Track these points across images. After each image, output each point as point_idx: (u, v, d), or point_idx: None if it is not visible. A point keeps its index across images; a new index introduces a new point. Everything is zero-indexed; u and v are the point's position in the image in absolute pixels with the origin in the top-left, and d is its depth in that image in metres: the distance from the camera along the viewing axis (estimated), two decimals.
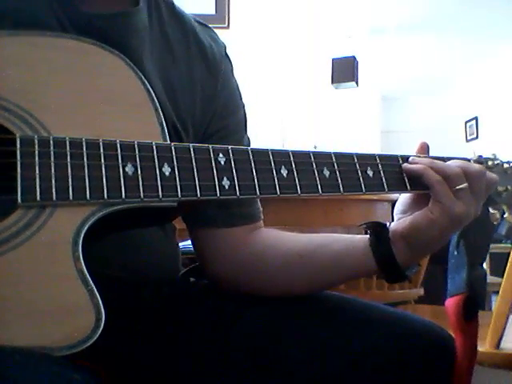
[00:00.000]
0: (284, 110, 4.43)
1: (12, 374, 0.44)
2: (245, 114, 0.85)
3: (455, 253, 0.80)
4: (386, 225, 0.74)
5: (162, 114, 0.63)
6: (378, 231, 0.73)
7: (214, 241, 0.80)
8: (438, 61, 6.14)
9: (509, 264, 1.28)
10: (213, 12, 3.80)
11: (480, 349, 1.29)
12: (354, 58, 4.47)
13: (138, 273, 0.76)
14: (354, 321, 0.74)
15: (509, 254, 1.28)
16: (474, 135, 6.82)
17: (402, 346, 0.71)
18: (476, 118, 6.79)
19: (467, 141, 6.86)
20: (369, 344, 0.71)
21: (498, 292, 1.33)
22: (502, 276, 1.31)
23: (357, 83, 4.52)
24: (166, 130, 0.63)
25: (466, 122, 6.98)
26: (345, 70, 4.44)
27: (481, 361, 1.31)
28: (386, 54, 5.64)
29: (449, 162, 0.72)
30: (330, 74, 4.50)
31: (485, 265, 3.21)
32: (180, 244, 0.89)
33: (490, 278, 3.05)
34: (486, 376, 1.46)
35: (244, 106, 0.86)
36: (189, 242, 0.87)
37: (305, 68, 4.60)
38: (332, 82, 4.51)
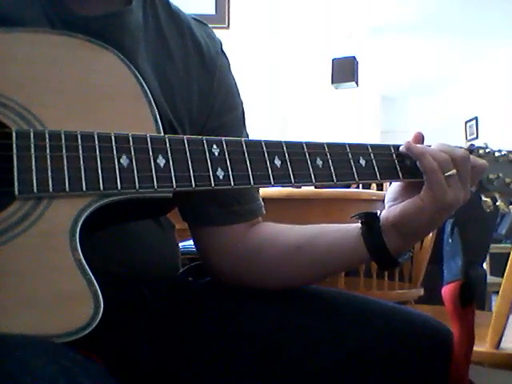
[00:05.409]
0: (284, 110, 4.43)
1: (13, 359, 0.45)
2: (243, 111, 0.86)
3: (449, 240, 0.81)
4: (377, 214, 0.74)
5: (155, 107, 0.64)
6: (369, 221, 0.74)
7: (216, 237, 0.81)
8: (438, 61, 6.14)
9: (509, 264, 1.28)
10: (213, 12, 3.80)
11: (480, 349, 1.29)
12: (353, 58, 4.48)
13: (137, 269, 0.76)
14: (352, 315, 0.75)
15: (509, 254, 1.28)
16: (474, 135, 6.82)
17: (399, 339, 0.72)
18: (476, 118, 6.79)
19: (467, 141, 6.85)
20: (367, 338, 0.72)
21: (498, 292, 1.34)
22: (502, 276, 1.31)
23: (357, 83, 4.53)
24: (160, 123, 0.64)
25: (466, 122, 6.99)
26: (345, 70, 4.45)
27: (481, 361, 1.31)
28: (385, 54, 5.64)
29: (434, 148, 0.72)
30: (330, 74, 4.51)
31: (485, 265, 3.21)
32: (180, 244, 0.90)
33: (490, 278, 3.05)
34: (486, 376, 1.46)
35: (242, 103, 0.86)
36: (189, 242, 0.87)
37: (305, 68, 4.60)
38: (332, 82, 4.52)
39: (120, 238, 0.72)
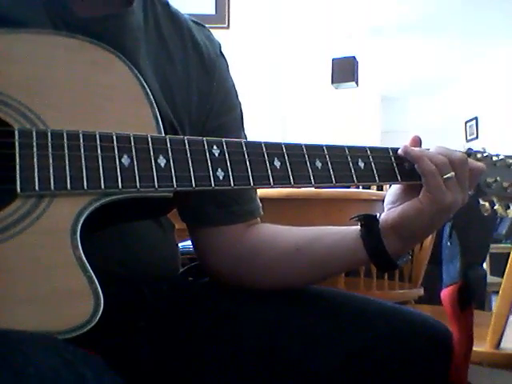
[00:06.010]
0: (284, 110, 4.44)
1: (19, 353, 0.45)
2: (241, 113, 0.86)
3: (448, 243, 0.81)
4: (376, 216, 0.75)
5: (156, 107, 0.65)
6: (368, 223, 0.74)
7: (214, 238, 0.81)
8: (438, 61, 6.14)
9: (509, 264, 1.28)
10: (213, 12, 3.80)
11: (480, 349, 1.29)
12: (353, 58, 4.48)
13: (137, 269, 0.76)
14: (352, 315, 0.75)
15: (509, 254, 1.28)
16: (474, 135, 6.83)
17: (399, 339, 0.72)
18: (476, 118, 6.79)
19: (467, 141, 6.86)
20: (367, 338, 0.72)
21: (498, 292, 1.34)
22: (502, 276, 1.31)
23: (357, 83, 4.53)
24: (161, 123, 0.64)
25: (466, 122, 6.99)
26: (345, 70, 4.46)
27: (481, 361, 1.31)
28: (385, 54, 5.65)
29: (432, 151, 0.73)
30: (330, 74, 4.51)
31: (485, 265, 3.21)
32: (180, 244, 0.90)
33: (490, 278, 3.05)
34: (486, 376, 1.46)
35: (241, 105, 0.86)
36: (189, 242, 0.87)
37: (305, 68, 4.61)
38: (332, 82, 4.52)
39: (120, 238, 0.72)
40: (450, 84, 6.77)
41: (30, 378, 0.42)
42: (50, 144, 0.57)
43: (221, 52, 0.85)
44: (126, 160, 0.59)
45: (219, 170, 0.64)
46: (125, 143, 0.60)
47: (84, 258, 0.55)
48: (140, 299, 0.77)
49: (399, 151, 0.73)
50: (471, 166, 0.73)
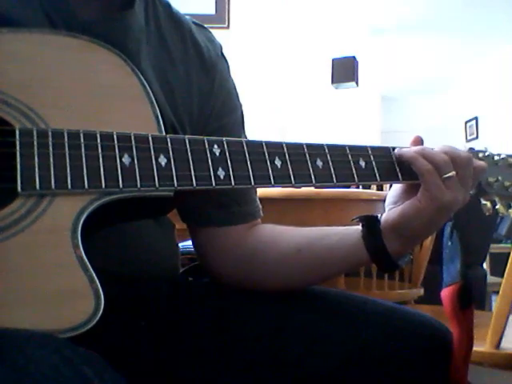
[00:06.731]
0: (284, 110, 4.43)
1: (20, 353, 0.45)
2: (242, 114, 0.86)
3: (449, 243, 0.81)
4: (377, 217, 0.75)
5: (157, 107, 0.65)
6: (369, 223, 0.74)
7: (215, 239, 0.81)
8: (438, 61, 6.14)
9: (509, 264, 1.28)
10: (213, 12, 3.81)
11: (480, 349, 1.29)
12: (353, 58, 4.47)
13: (137, 269, 0.76)
14: (352, 315, 0.75)
15: (509, 254, 1.28)
16: (474, 135, 6.83)
17: (399, 339, 0.73)
18: (476, 118, 6.79)
19: (467, 141, 6.86)
20: (366, 338, 0.72)
21: (498, 292, 1.34)
22: (502, 276, 1.31)
23: (357, 83, 4.53)
24: (162, 123, 0.64)
25: (466, 122, 6.99)
26: (345, 70, 4.45)
27: (481, 361, 1.31)
28: (385, 54, 5.64)
29: (436, 149, 0.73)
30: (330, 74, 4.51)
31: (485, 265, 3.21)
32: (180, 244, 0.90)
33: (490, 278, 3.05)
34: (486, 376, 1.46)
35: (241, 106, 0.86)
36: (189, 242, 0.87)
37: (305, 68, 4.60)
38: (332, 82, 4.52)
39: (120, 238, 0.72)
40: (450, 84, 6.77)
41: (30, 376, 0.43)
42: (50, 143, 0.57)
43: (222, 53, 0.85)
44: (126, 159, 0.59)
45: (220, 169, 0.64)
46: (125, 142, 0.60)
47: (85, 258, 0.55)
48: (140, 299, 0.77)
49: (395, 153, 0.73)
50: (472, 165, 0.73)
